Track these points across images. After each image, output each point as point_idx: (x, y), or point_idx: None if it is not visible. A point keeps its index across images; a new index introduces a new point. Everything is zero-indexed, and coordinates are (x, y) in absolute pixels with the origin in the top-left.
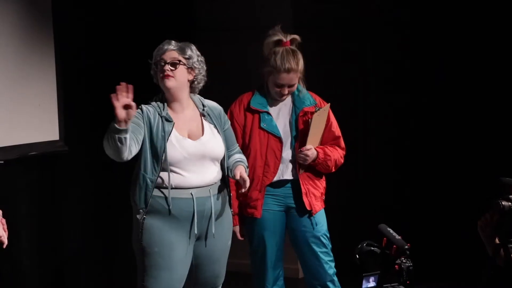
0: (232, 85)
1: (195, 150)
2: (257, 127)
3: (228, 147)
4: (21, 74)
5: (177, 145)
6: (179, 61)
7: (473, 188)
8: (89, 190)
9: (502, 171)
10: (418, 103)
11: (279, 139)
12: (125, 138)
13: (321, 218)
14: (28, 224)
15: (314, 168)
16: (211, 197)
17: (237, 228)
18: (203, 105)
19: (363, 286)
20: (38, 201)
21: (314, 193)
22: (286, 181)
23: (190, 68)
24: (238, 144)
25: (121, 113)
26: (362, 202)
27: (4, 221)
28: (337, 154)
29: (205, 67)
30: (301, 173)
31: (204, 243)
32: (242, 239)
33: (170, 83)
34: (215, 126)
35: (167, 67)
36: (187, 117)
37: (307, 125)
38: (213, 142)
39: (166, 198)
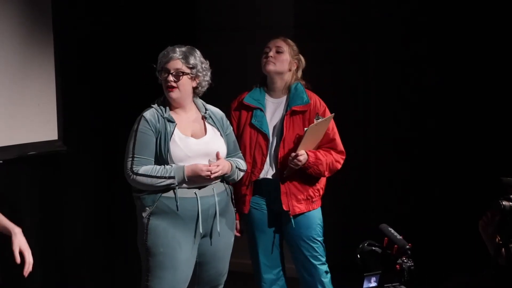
0: (233, 85)
1: (198, 148)
2: (248, 123)
3: (229, 152)
4: (20, 74)
5: (180, 144)
6: (183, 72)
7: (474, 188)
8: (88, 189)
9: (503, 171)
10: (419, 104)
11: (266, 136)
12: None
13: (308, 221)
14: (27, 223)
15: (303, 171)
16: (215, 196)
17: (237, 224)
18: (206, 109)
19: (365, 286)
20: (37, 201)
21: (296, 195)
22: (271, 180)
23: (194, 76)
24: (240, 151)
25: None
26: (363, 201)
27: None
28: (330, 158)
29: (209, 73)
30: (285, 175)
31: (209, 241)
32: (239, 235)
33: (174, 95)
34: (218, 129)
35: (171, 78)
36: (190, 119)
37: (296, 125)
38: (215, 141)
39: (171, 198)
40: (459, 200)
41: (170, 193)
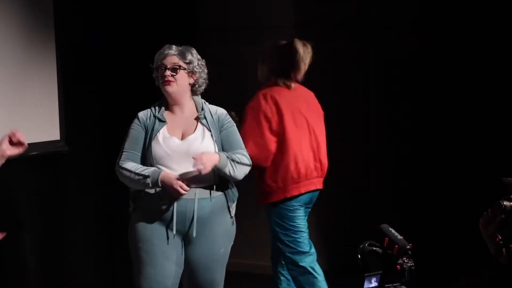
0: (234, 85)
1: (178, 148)
2: None
3: (226, 150)
4: (23, 75)
5: (162, 143)
6: (179, 66)
7: (475, 188)
8: (90, 189)
9: (503, 171)
10: (420, 104)
11: None
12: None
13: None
14: (29, 223)
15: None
16: (195, 200)
17: None
18: (203, 109)
19: (365, 286)
20: (39, 201)
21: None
22: None
23: (191, 72)
24: (245, 149)
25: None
26: (364, 201)
27: None
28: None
29: (206, 71)
30: None
31: (192, 248)
32: None
33: (170, 88)
34: (209, 129)
35: (168, 72)
36: (184, 117)
37: None
38: (199, 142)
39: (151, 195)
40: (460, 200)
41: (151, 190)
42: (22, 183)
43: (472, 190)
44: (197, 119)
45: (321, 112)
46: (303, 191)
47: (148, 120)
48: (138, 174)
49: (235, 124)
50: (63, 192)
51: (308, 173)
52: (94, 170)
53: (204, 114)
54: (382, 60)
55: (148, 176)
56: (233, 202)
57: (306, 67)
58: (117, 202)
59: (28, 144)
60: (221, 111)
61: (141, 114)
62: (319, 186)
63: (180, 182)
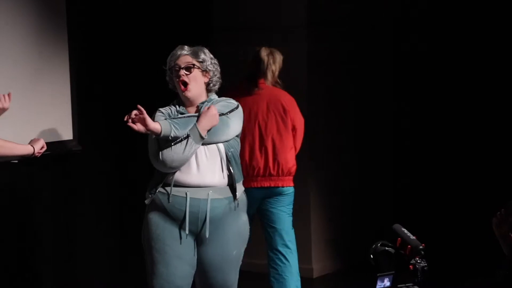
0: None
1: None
2: None
3: None
4: (35, 74)
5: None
6: (193, 65)
7: (488, 188)
8: (102, 189)
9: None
10: (433, 102)
11: None
12: None
13: None
14: (42, 223)
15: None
16: (208, 200)
17: None
18: (206, 101)
19: (378, 286)
20: (52, 201)
21: None
22: None
23: (205, 71)
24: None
25: None
26: (377, 201)
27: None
28: None
29: (219, 69)
30: None
31: (204, 248)
32: None
33: (189, 93)
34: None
35: (182, 72)
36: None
37: None
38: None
39: (164, 193)
40: (472, 200)
41: (166, 189)
42: (36, 182)
43: (485, 190)
44: (197, 110)
45: (290, 117)
46: (245, 186)
47: (170, 113)
48: (179, 141)
49: (228, 107)
50: (76, 192)
51: (251, 172)
52: (107, 169)
53: (205, 106)
54: (390, 59)
55: (188, 136)
56: (245, 202)
57: (275, 73)
58: (130, 202)
59: None
60: (221, 98)
61: (162, 109)
62: (272, 184)
63: (211, 106)
